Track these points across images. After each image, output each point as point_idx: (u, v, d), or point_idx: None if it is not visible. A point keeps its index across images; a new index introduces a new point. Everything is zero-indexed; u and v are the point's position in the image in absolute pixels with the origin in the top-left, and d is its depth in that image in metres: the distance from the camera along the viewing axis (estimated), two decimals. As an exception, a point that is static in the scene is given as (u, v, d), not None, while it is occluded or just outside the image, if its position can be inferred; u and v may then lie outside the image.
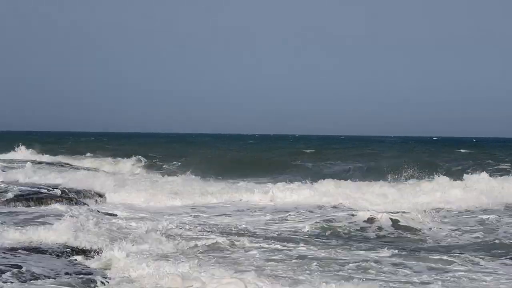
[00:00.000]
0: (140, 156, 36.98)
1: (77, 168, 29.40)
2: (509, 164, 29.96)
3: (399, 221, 14.63)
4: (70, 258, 9.98)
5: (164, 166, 34.22)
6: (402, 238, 13.48)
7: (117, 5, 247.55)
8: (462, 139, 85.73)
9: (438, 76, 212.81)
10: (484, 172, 22.46)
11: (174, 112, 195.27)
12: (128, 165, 34.92)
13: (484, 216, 15.78)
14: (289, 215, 16.00)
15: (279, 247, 11.29)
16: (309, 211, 16.47)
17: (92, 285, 8.43)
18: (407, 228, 14.28)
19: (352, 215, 15.28)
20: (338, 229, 14.07)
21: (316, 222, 14.52)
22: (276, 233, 13.37)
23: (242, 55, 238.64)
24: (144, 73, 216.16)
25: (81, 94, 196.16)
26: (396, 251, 11.13)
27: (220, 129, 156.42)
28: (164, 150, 45.90)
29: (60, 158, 37.62)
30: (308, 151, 44.45)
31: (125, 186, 20.37)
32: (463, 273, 9.42)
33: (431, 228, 14.34)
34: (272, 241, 11.84)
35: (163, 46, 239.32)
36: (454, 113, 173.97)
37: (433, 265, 9.98)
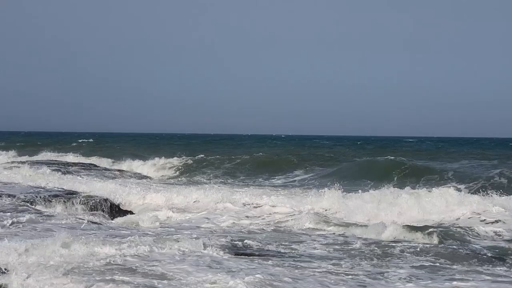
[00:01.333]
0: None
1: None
2: None
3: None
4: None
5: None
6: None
7: (118, 6, 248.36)
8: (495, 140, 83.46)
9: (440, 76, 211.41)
10: None
11: (174, 113, 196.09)
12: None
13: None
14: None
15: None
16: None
17: None
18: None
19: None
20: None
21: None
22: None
23: (242, 55, 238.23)
24: (144, 73, 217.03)
25: (80, 94, 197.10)
26: None
27: (220, 130, 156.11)
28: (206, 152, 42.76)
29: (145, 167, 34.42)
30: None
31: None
32: None
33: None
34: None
35: (163, 47, 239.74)
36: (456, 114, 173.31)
37: None
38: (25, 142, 62.85)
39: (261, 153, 36.41)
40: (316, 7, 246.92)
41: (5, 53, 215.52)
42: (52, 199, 16.64)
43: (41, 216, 13.60)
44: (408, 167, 26.03)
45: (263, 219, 15.81)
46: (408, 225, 13.75)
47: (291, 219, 15.28)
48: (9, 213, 13.51)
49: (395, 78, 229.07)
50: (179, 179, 29.44)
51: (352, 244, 12.07)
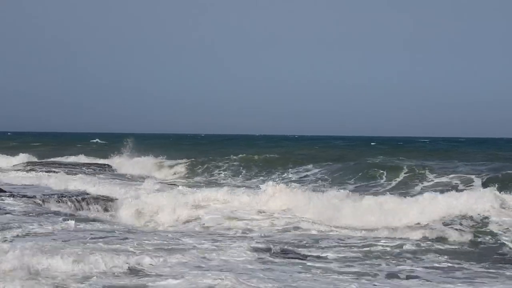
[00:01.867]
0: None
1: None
2: None
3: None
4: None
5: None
6: None
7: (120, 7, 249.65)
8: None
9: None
10: None
11: (173, 113, 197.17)
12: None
13: None
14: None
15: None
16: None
17: None
18: None
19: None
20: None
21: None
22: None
23: (242, 55, 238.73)
24: (144, 73, 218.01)
25: (80, 94, 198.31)
26: None
27: (220, 130, 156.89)
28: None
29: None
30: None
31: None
32: None
33: None
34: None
35: (163, 47, 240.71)
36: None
37: None
38: (35, 142, 63.05)
39: (274, 154, 36.20)
40: (316, 7, 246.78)
41: (5, 53, 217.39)
42: (67, 200, 16.63)
43: (60, 218, 13.51)
44: (418, 168, 25.72)
45: (278, 219, 15.60)
46: (427, 226, 13.64)
47: (309, 221, 15.12)
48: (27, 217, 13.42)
49: (395, 78, 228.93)
50: (195, 178, 29.41)
51: (371, 246, 11.96)
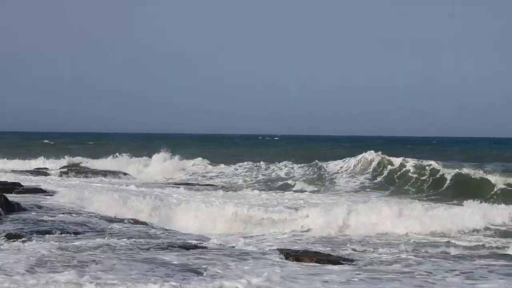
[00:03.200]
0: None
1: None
2: None
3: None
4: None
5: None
6: None
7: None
8: None
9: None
10: None
11: (173, 113, 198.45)
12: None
13: None
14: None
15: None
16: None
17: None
18: None
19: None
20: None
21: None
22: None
23: (242, 55, 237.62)
24: (144, 73, 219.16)
25: (80, 95, 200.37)
26: None
27: (219, 129, 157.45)
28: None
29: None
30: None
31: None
32: None
33: None
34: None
35: (163, 47, 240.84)
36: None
37: None
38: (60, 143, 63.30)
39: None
40: (317, 8, 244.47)
41: (5, 53, 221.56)
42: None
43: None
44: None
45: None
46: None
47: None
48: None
49: (397, 79, 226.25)
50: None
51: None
